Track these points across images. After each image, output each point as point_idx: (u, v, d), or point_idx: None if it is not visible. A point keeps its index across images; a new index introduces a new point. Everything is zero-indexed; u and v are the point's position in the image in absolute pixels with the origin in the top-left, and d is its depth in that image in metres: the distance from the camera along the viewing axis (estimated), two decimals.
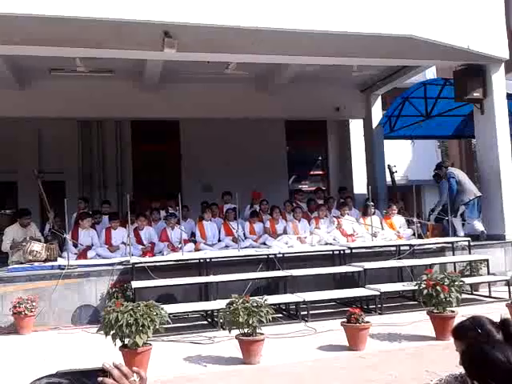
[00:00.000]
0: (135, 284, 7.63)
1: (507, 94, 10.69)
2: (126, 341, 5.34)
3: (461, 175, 10.93)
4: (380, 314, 7.87)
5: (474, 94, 10.40)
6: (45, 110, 11.71)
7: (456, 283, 6.51)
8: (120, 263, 8.42)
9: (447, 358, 4.34)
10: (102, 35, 8.29)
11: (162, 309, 5.59)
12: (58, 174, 13.28)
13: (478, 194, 10.56)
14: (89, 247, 9.35)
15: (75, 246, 9.27)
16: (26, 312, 7.34)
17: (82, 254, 9.11)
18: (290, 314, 8.09)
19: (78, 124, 14.08)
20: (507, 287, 8.56)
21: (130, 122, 14.19)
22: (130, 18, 7.76)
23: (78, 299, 8.04)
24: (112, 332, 5.29)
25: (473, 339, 2.16)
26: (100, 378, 1.18)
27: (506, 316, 2.38)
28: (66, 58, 9.83)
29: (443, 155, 22.53)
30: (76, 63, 10.83)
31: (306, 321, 7.55)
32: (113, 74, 11.80)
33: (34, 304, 7.45)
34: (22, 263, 8.65)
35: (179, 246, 9.12)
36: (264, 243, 10.03)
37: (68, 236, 8.92)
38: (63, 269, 8.14)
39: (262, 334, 5.85)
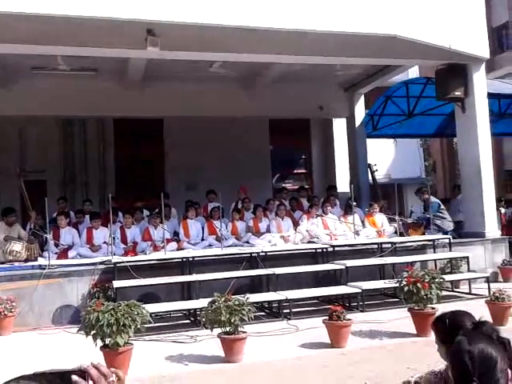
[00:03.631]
0: (117, 284, 7.59)
1: (488, 93, 10.81)
2: (107, 341, 5.31)
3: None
4: (362, 311, 7.93)
5: (456, 93, 10.51)
6: (27, 108, 11.57)
7: (436, 280, 6.59)
8: (102, 263, 8.37)
9: (428, 354, 4.39)
10: (84, 33, 8.21)
11: (144, 308, 5.57)
12: (40, 173, 13.15)
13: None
14: (70, 247, 9.28)
15: (56, 245, 9.19)
16: (6, 312, 7.26)
17: (63, 254, 9.04)
18: (273, 312, 8.12)
19: (60, 123, 13.95)
20: (487, 284, 8.68)
21: (114, 120, 14.09)
22: (113, 16, 7.70)
23: (58, 299, 7.97)
24: (93, 332, 5.26)
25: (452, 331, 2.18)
26: (75, 378, 1.16)
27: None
28: (48, 56, 9.75)
29: (425, 153, 22.72)
30: (58, 61, 10.75)
31: (289, 319, 7.57)
32: (96, 73, 11.72)
33: (13, 304, 7.38)
34: (2, 263, 8.56)
35: (162, 245, 9.09)
36: (247, 242, 10.04)
37: (49, 236, 8.85)
38: (44, 268, 8.07)
39: (244, 332, 5.86)
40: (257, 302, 7.43)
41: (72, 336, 6.97)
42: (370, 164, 13.71)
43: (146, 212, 10.80)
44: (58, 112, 12.19)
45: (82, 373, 1.17)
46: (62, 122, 13.99)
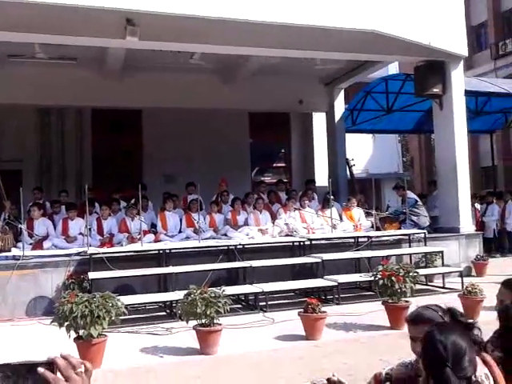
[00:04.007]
0: (92, 275, 7.53)
1: (465, 90, 10.96)
2: (81, 332, 5.27)
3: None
4: (337, 304, 8.00)
5: (434, 90, 10.63)
6: (3, 96, 11.31)
7: (410, 274, 6.68)
8: (77, 254, 8.30)
9: (401, 346, 4.44)
10: (63, 22, 8.08)
11: (119, 300, 5.55)
12: (16, 163, 12.95)
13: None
14: (45, 238, 9.17)
15: (31, 236, 9.07)
16: None
17: (38, 245, 8.93)
18: (249, 304, 8.15)
19: (38, 112, 13.73)
20: (460, 278, 8.82)
21: (92, 110, 13.91)
22: (93, 5, 7.58)
23: (33, 290, 7.89)
24: (66, 323, 5.22)
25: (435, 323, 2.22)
26: (41, 370, 1.15)
27: (449, 305, 2.47)
28: (25, 44, 9.57)
29: (403, 149, 22.95)
30: (35, 49, 10.57)
31: (265, 311, 7.61)
32: (74, 62, 11.55)
33: None
34: None
35: (139, 236, 9.03)
36: (225, 234, 10.03)
37: (23, 226, 8.72)
38: (18, 259, 7.96)
39: (219, 324, 5.87)
40: (233, 295, 7.45)
41: (46, 327, 6.89)
42: (347, 159, 13.81)
43: (123, 203, 10.71)
44: (36, 101, 12.00)
45: (50, 365, 1.16)
46: (40, 111, 13.77)
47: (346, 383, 2.01)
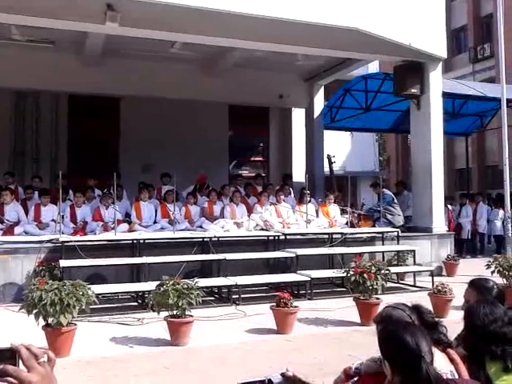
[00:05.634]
0: (63, 263, 7.43)
1: (443, 92, 11.09)
2: (50, 320, 5.20)
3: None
4: (309, 299, 8.05)
5: (412, 90, 10.74)
6: None
7: (382, 272, 6.75)
8: (49, 241, 8.17)
9: (370, 342, 4.49)
10: (41, 3, 7.93)
11: (89, 289, 5.48)
12: None
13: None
14: (16, 223, 9.00)
15: (1, 221, 8.89)
16: None
17: (9, 231, 8.76)
18: (222, 297, 8.14)
19: (12, 95, 13.44)
20: (431, 277, 8.96)
21: (69, 95, 13.68)
22: None
23: (2, 276, 7.76)
24: (35, 311, 5.14)
25: (390, 322, 2.25)
26: (0, 366, 1.13)
27: (416, 303, 2.51)
28: (0, 24, 9.32)
29: (380, 148, 23.17)
30: (11, 31, 10.33)
31: (237, 304, 7.61)
32: (53, 45, 11.33)
33: None
34: None
35: (112, 226, 8.94)
36: (200, 226, 10.00)
37: None
38: None
39: (191, 316, 5.85)
40: (206, 287, 7.43)
41: (14, 314, 6.77)
42: (329, 155, 13.84)
43: (97, 191, 10.57)
44: (11, 84, 11.75)
45: (13, 352, 1.15)
46: (15, 94, 13.48)
47: (302, 377, 2.02)
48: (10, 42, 10.94)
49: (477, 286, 2.96)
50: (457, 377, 2.17)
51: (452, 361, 2.26)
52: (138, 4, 7.96)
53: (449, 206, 13.70)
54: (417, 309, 2.44)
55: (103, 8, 8.10)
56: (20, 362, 1.15)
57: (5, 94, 13.01)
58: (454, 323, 3.00)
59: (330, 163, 13.83)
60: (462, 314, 2.68)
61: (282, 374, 1.97)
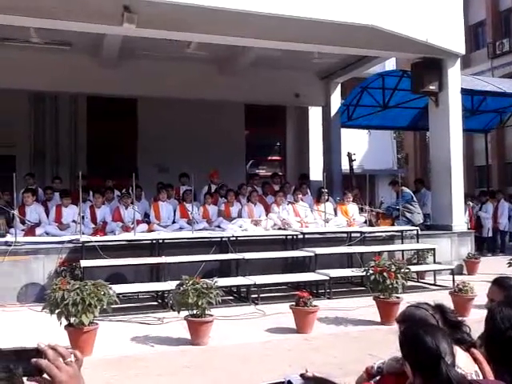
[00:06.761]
0: (84, 263, 7.51)
1: (462, 88, 10.96)
2: (72, 320, 5.26)
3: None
4: (329, 298, 8.03)
5: (430, 87, 10.63)
6: None
7: (402, 270, 6.70)
8: (70, 241, 8.26)
9: (390, 341, 4.46)
10: (59, 6, 8.01)
11: (110, 288, 5.53)
12: (9, 148, 12.85)
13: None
14: (37, 224, 9.12)
15: (23, 222, 9.02)
16: None
17: (31, 231, 8.88)
18: (241, 296, 8.16)
19: (31, 97, 13.62)
20: (451, 276, 8.86)
21: (87, 97, 13.81)
22: None
23: (24, 277, 7.87)
24: (57, 311, 5.21)
25: (411, 323, 2.23)
26: (34, 360, 1.15)
27: (439, 302, 2.49)
28: (19, 27, 9.45)
29: (398, 146, 22.98)
30: (30, 34, 10.46)
31: (256, 303, 7.62)
32: (70, 48, 11.45)
33: None
34: None
35: (132, 226, 9.01)
36: (218, 226, 10.03)
37: (16, 212, 8.67)
38: (10, 245, 7.93)
39: (211, 315, 5.87)
40: (225, 286, 7.45)
41: (37, 314, 6.86)
42: (349, 152, 13.75)
43: (117, 192, 10.66)
44: (30, 86, 11.89)
45: (39, 352, 1.16)
46: (34, 97, 13.66)
47: (325, 376, 2.01)
48: (28, 44, 11.08)
49: (501, 284, 2.92)
50: (481, 377, 2.14)
51: (476, 360, 2.24)
52: (154, 5, 8.01)
53: (470, 202, 13.55)
54: (440, 308, 2.42)
55: (120, 10, 8.16)
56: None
57: (24, 97, 13.20)
58: (476, 322, 2.96)
59: (351, 161, 13.75)
60: (485, 312, 2.65)
61: (302, 375, 1.97)
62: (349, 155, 13.77)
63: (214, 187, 11.39)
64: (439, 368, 1.81)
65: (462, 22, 10.74)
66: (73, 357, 1.21)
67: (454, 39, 10.44)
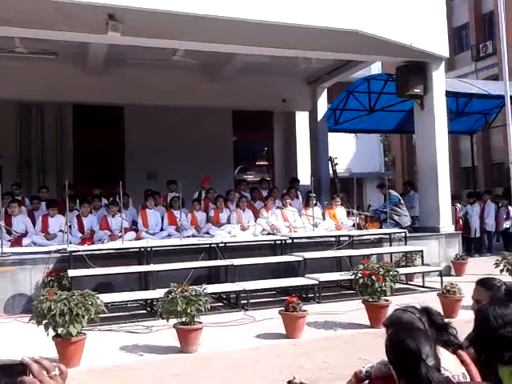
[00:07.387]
0: (72, 273, 7.45)
1: (446, 91, 11.06)
2: (60, 330, 5.21)
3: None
4: (318, 302, 8.03)
5: (415, 90, 10.71)
6: None
7: (390, 273, 6.73)
8: (57, 251, 8.19)
9: (380, 345, 4.47)
10: (43, 15, 7.97)
11: (98, 298, 5.49)
12: None
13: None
14: (24, 234, 9.04)
15: (9, 233, 8.93)
16: None
17: (17, 242, 8.80)
18: (231, 303, 8.13)
19: (17, 106, 13.52)
20: (440, 277, 8.91)
21: (73, 106, 13.75)
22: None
23: (11, 287, 7.78)
24: (45, 321, 5.16)
25: (397, 327, 2.24)
26: (18, 379, 1.13)
27: (425, 305, 2.50)
28: (4, 37, 9.39)
29: (385, 149, 23.11)
30: (15, 43, 10.40)
31: (246, 309, 7.60)
32: (55, 57, 11.39)
33: None
34: None
35: (120, 234, 8.96)
36: (207, 232, 10.00)
37: (2, 222, 8.58)
38: None
39: (200, 322, 5.85)
40: (215, 293, 7.43)
41: (24, 325, 6.79)
42: (331, 157, 13.85)
43: (104, 200, 10.60)
44: (15, 96, 11.82)
45: (25, 366, 1.15)
46: (19, 106, 13.57)
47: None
48: (13, 54, 11.00)
49: (485, 284, 2.94)
50: (468, 379, 2.15)
51: (463, 362, 2.25)
52: (139, 13, 7.99)
53: (458, 204, 13.64)
54: (426, 311, 2.43)
55: (105, 18, 8.14)
56: (31, 376, 1.15)
57: (10, 106, 13.10)
58: (464, 323, 2.98)
59: (333, 165, 13.82)
60: (471, 314, 2.66)
61: (289, 382, 1.96)
62: (330, 159, 13.83)
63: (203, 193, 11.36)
64: (419, 370, 1.81)
65: (445, 26, 10.85)
66: (57, 370, 1.19)
67: (438, 43, 10.54)
